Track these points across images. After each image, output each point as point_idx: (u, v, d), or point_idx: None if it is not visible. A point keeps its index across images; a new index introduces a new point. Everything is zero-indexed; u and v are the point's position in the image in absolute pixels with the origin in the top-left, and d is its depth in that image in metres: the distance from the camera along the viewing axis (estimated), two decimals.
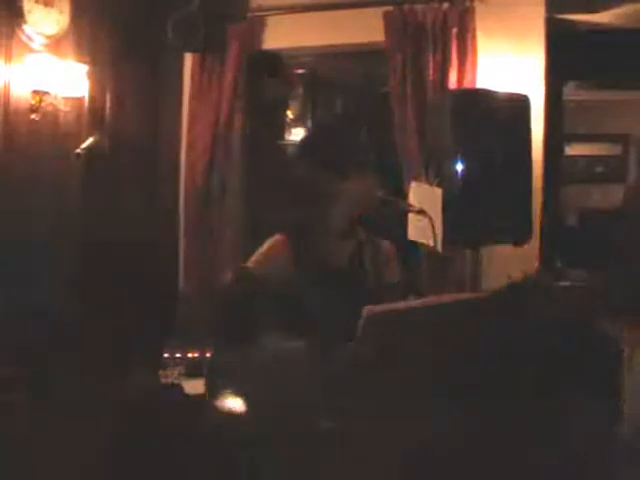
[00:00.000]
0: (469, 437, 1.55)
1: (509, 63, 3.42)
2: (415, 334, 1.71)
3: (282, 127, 4.65)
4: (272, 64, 4.03)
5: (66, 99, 3.11)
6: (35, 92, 2.98)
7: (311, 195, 2.30)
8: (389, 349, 1.67)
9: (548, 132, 3.43)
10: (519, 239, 3.11)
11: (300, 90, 4.68)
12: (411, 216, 3.05)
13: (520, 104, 3.09)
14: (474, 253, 3.19)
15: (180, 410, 2.55)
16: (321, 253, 2.29)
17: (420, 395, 1.79)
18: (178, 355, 3.46)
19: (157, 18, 3.67)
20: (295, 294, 2.26)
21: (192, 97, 3.90)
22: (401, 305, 2.05)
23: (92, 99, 3.35)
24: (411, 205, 2.63)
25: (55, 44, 3.11)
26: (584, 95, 4.97)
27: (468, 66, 3.36)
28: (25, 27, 2.93)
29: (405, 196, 3.30)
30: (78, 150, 2.36)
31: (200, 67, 3.85)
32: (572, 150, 5.71)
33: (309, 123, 4.66)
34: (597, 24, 3.46)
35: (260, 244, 2.37)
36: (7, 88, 2.91)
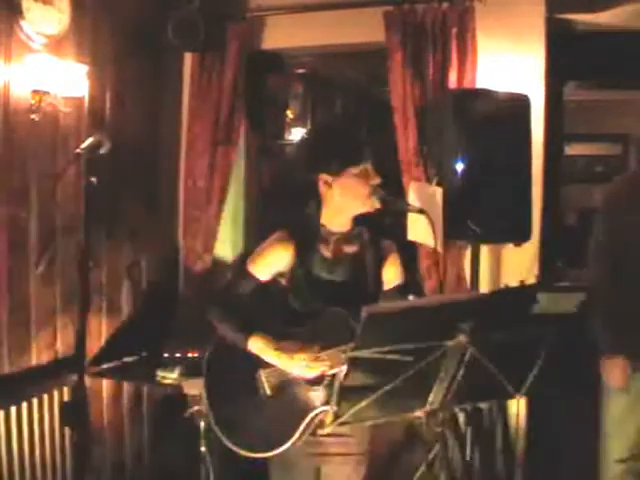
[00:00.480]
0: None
1: (509, 63, 3.42)
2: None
3: (282, 127, 4.65)
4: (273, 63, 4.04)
5: (66, 99, 3.11)
6: (35, 92, 2.98)
7: (312, 194, 2.30)
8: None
9: (548, 132, 3.43)
10: (519, 239, 3.11)
11: (300, 90, 4.68)
12: (411, 216, 3.06)
13: (520, 104, 3.09)
14: (474, 253, 3.19)
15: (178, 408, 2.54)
16: (323, 252, 2.29)
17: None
18: (178, 355, 3.47)
19: (157, 18, 3.67)
20: (296, 293, 2.26)
21: (192, 97, 3.90)
22: (400, 305, 2.06)
23: (92, 99, 3.35)
24: (411, 205, 2.63)
25: (55, 44, 3.11)
26: (584, 95, 4.98)
27: (468, 66, 3.36)
28: (24, 26, 2.92)
29: (405, 196, 3.31)
30: (78, 150, 2.36)
31: (200, 67, 3.84)
32: (572, 150, 5.72)
33: (309, 123, 4.66)
34: (597, 24, 3.46)
35: (259, 243, 2.37)
36: (7, 88, 2.91)
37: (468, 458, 2.95)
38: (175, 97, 4.01)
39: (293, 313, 2.25)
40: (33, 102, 2.98)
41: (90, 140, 2.39)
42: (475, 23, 3.36)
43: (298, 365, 2.14)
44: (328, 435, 2.20)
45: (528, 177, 3.09)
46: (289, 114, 4.68)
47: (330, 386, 2.15)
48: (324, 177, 2.25)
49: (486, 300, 1.81)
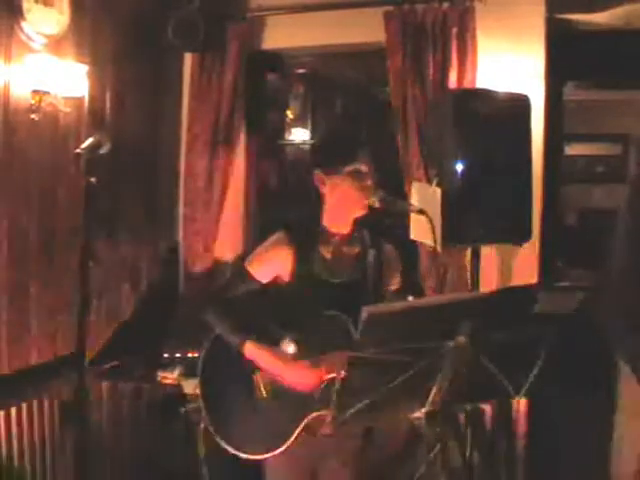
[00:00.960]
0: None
1: (509, 63, 3.42)
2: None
3: (282, 127, 4.65)
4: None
5: (66, 99, 3.11)
6: (35, 92, 2.98)
7: (312, 195, 2.30)
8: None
9: (548, 132, 3.43)
10: (519, 239, 3.11)
11: (300, 90, 4.68)
12: (411, 216, 3.05)
13: (520, 104, 3.09)
14: (474, 253, 3.19)
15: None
16: (323, 254, 2.28)
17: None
18: (178, 355, 3.47)
19: (157, 18, 3.67)
20: (295, 294, 2.26)
21: (192, 97, 3.90)
22: (400, 305, 2.05)
23: (92, 99, 3.35)
24: (411, 205, 2.63)
25: (55, 44, 3.11)
26: (584, 95, 4.97)
27: (468, 66, 3.36)
28: (25, 26, 2.93)
29: (405, 196, 3.31)
30: (78, 150, 2.35)
31: (200, 67, 3.84)
32: (572, 150, 5.71)
33: (309, 123, 4.66)
34: (597, 24, 3.46)
35: (259, 243, 2.36)
36: (7, 88, 2.91)
37: (468, 458, 2.95)
38: (175, 97, 4.01)
39: (292, 315, 2.24)
40: (33, 102, 2.98)
41: (90, 140, 2.39)
42: (475, 23, 3.36)
43: (291, 375, 2.14)
44: (325, 435, 2.20)
45: (528, 177, 3.08)
46: (289, 114, 4.68)
47: (329, 387, 2.15)
48: (318, 175, 2.25)
49: (486, 300, 1.81)
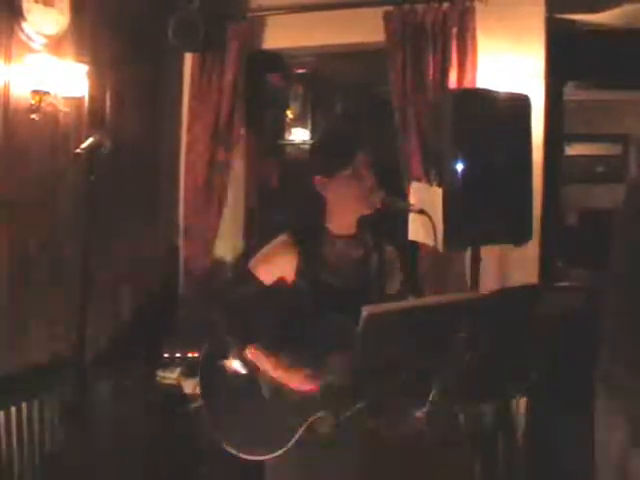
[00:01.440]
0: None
1: (509, 63, 3.42)
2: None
3: (282, 127, 4.65)
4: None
5: (66, 99, 3.11)
6: (35, 92, 2.98)
7: (316, 196, 2.30)
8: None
9: (548, 132, 3.43)
10: (519, 239, 3.11)
11: (300, 90, 4.68)
12: (411, 216, 3.06)
13: (520, 104, 3.09)
14: (474, 253, 3.19)
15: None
16: (327, 256, 2.28)
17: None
18: (178, 355, 3.47)
19: (157, 18, 3.67)
20: (298, 296, 2.25)
21: (192, 97, 3.90)
22: (400, 305, 2.05)
23: (92, 99, 3.35)
24: (411, 205, 2.62)
25: (55, 44, 3.11)
26: (584, 95, 4.97)
27: (468, 66, 3.36)
28: (25, 27, 2.93)
29: (405, 196, 3.31)
30: (78, 150, 2.36)
31: (200, 67, 3.85)
32: (572, 150, 5.72)
33: (309, 123, 4.66)
34: (597, 24, 3.46)
35: (261, 244, 2.36)
36: (7, 88, 2.91)
37: (469, 458, 2.95)
38: (175, 97, 4.01)
39: (295, 317, 2.24)
40: (33, 102, 2.98)
41: (90, 140, 2.40)
42: (475, 23, 3.36)
43: (294, 382, 2.15)
44: (326, 435, 2.20)
45: (528, 177, 3.09)
46: (289, 114, 4.68)
47: (330, 387, 2.14)
48: (319, 179, 2.25)
49: (486, 300, 1.81)
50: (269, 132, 4.41)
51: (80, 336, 2.43)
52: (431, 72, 3.41)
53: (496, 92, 3.11)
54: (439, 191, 3.02)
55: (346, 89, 4.75)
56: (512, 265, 3.43)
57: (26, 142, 3.03)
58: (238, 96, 3.81)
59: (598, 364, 2.26)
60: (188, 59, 3.94)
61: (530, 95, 3.13)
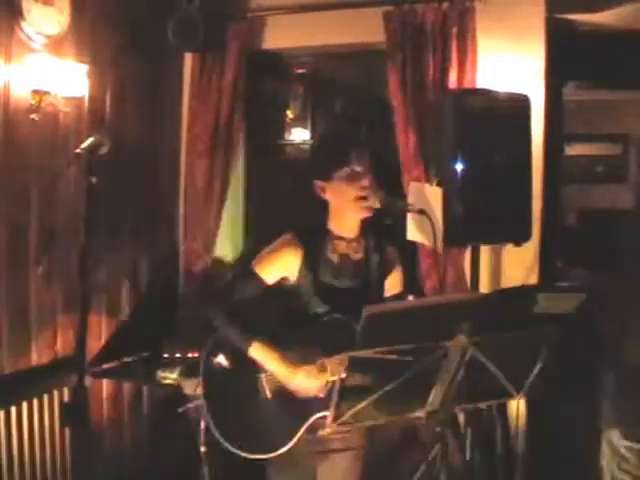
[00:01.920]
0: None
1: (509, 63, 3.42)
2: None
3: (282, 127, 4.65)
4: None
5: (66, 99, 3.11)
6: (35, 92, 2.98)
7: (314, 197, 2.30)
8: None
9: (548, 132, 3.43)
10: (519, 239, 3.11)
11: (300, 90, 4.68)
12: (411, 216, 3.06)
13: (520, 104, 3.09)
14: (474, 253, 3.19)
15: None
16: (329, 257, 2.28)
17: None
18: (178, 355, 3.47)
19: (157, 18, 3.67)
20: (301, 297, 2.25)
21: (192, 97, 3.90)
22: (400, 305, 2.06)
23: (92, 99, 3.35)
24: (411, 205, 2.63)
25: (55, 44, 3.11)
26: (584, 95, 4.97)
27: (468, 66, 3.36)
28: (24, 26, 2.93)
29: (405, 196, 3.31)
30: (78, 150, 2.35)
31: (200, 67, 3.84)
32: (572, 150, 5.72)
33: (309, 123, 4.65)
34: (597, 24, 3.46)
35: (262, 244, 2.36)
36: (7, 88, 2.91)
37: (468, 458, 2.95)
38: (175, 97, 4.01)
39: (297, 317, 2.24)
40: (33, 102, 2.98)
41: (90, 140, 2.39)
42: (475, 23, 3.36)
43: (297, 379, 2.14)
44: (327, 435, 2.20)
45: (528, 177, 3.09)
46: (289, 114, 4.67)
47: (330, 387, 2.15)
48: (318, 183, 2.25)
49: (486, 300, 1.81)
50: (269, 132, 4.40)
51: (80, 336, 2.43)
52: (431, 72, 3.40)
53: (496, 92, 3.11)
54: (439, 191, 3.02)
55: (346, 89, 4.74)
56: (512, 265, 3.43)
57: (26, 142, 3.03)
58: (238, 96, 3.81)
59: None
60: (188, 59, 3.94)
61: (530, 95, 3.13)
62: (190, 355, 3.44)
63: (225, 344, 2.26)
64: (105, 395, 3.49)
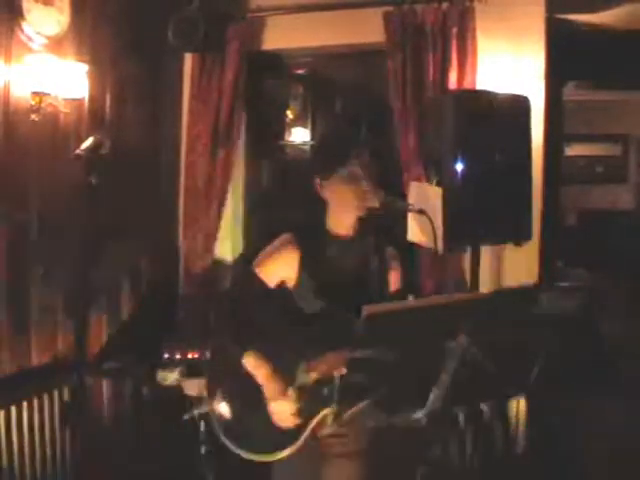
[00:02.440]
0: None
1: (509, 63, 3.42)
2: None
3: (282, 127, 4.65)
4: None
5: (66, 100, 3.11)
6: (35, 93, 2.98)
7: (314, 197, 2.30)
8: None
9: (548, 132, 3.43)
10: (519, 239, 3.11)
11: (300, 90, 4.68)
12: (411, 216, 3.06)
13: (520, 104, 3.09)
14: (474, 253, 3.19)
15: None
16: (328, 256, 2.28)
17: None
18: (178, 355, 3.47)
19: (157, 18, 3.67)
20: (300, 296, 2.25)
21: (192, 97, 3.90)
22: (400, 305, 2.05)
23: (92, 99, 3.35)
24: (411, 205, 2.62)
25: (55, 44, 3.11)
26: (584, 95, 4.98)
27: (468, 66, 3.36)
28: (25, 27, 2.93)
29: (405, 196, 3.31)
30: (78, 150, 2.36)
31: (200, 67, 3.85)
32: (572, 150, 5.73)
33: (309, 123, 4.65)
34: (597, 24, 3.46)
35: (260, 243, 2.36)
36: (7, 88, 2.91)
37: (468, 458, 2.95)
38: (175, 97, 4.01)
39: (297, 316, 2.24)
40: (33, 103, 2.98)
41: (90, 140, 2.40)
42: (475, 23, 3.36)
43: (275, 405, 2.15)
44: (329, 435, 2.20)
45: (528, 177, 3.09)
46: (289, 114, 4.67)
47: (331, 387, 2.14)
48: (317, 181, 2.25)
49: (486, 300, 1.81)
50: (269, 132, 4.41)
51: (80, 336, 2.43)
52: (431, 72, 3.41)
53: (496, 93, 3.11)
54: (439, 191, 3.02)
55: (346, 89, 4.74)
56: (512, 265, 3.43)
57: (26, 143, 3.03)
58: (238, 96, 3.81)
59: None
60: (188, 59, 3.94)
61: (530, 95, 3.13)
62: (190, 355, 3.44)
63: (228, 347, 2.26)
64: (105, 395, 3.49)
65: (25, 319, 3.08)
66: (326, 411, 2.13)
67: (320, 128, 4.62)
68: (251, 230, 4.20)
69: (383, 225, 2.37)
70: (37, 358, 3.12)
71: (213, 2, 3.71)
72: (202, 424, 3.03)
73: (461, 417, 2.95)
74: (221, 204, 3.88)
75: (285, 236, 2.29)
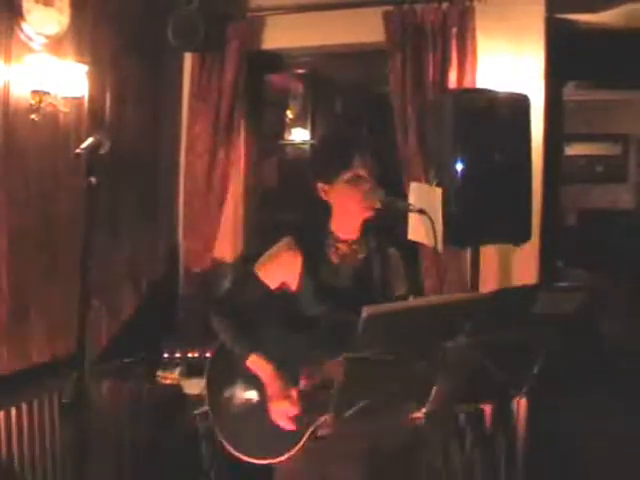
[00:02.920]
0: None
1: (509, 63, 3.42)
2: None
3: (282, 127, 4.65)
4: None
5: (66, 99, 3.11)
6: (35, 92, 2.98)
7: (314, 198, 2.30)
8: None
9: (548, 132, 3.43)
10: (519, 239, 3.11)
11: (300, 90, 4.68)
12: (411, 216, 3.05)
13: (520, 104, 3.09)
14: (474, 253, 3.19)
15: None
16: (331, 259, 2.27)
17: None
18: (178, 355, 3.47)
19: (157, 18, 3.67)
20: (302, 299, 2.25)
21: (192, 97, 3.90)
22: (400, 305, 2.05)
23: (92, 99, 3.35)
24: (411, 205, 2.62)
25: (55, 44, 3.11)
26: (584, 95, 4.98)
27: (468, 66, 3.36)
28: (25, 26, 2.93)
29: (405, 196, 3.31)
30: (78, 150, 2.35)
31: (200, 67, 3.85)
32: (572, 150, 5.73)
33: (309, 123, 4.66)
34: (597, 24, 3.46)
35: (260, 243, 2.36)
36: (7, 88, 2.91)
37: (468, 458, 2.95)
38: (175, 97, 4.01)
39: (298, 319, 2.24)
40: (33, 102, 2.98)
41: (90, 140, 2.39)
42: (475, 23, 3.36)
43: (275, 405, 2.14)
44: (329, 435, 2.20)
45: (528, 177, 3.09)
46: (289, 114, 4.68)
47: (330, 393, 2.14)
48: (320, 186, 2.25)
49: (486, 300, 1.81)
50: (269, 132, 4.41)
51: (80, 336, 2.42)
52: (431, 72, 3.41)
53: (496, 92, 3.11)
54: (439, 191, 3.02)
55: (346, 89, 4.74)
56: (512, 265, 3.43)
57: (26, 142, 3.03)
58: (238, 96, 3.81)
59: None
60: (188, 59, 3.94)
61: (530, 95, 3.13)
62: (190, 355, 3.44)
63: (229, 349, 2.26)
64: (105, 395, 3.48)
65: (25, 319, 3.07)
66: (326, 416, 2.12)
67: (320, 128, 4.62)
68: (251, 230, 4.20)
69: (384, 226, 2.36)
70: (37, 358, 3.12)
71: (213, 2, 3.71)
72: (202, 424, 3.03)
73: (461, 417, 2.95)
74: (221, 204, 3.88)
75: (286, 239, 2.29)
